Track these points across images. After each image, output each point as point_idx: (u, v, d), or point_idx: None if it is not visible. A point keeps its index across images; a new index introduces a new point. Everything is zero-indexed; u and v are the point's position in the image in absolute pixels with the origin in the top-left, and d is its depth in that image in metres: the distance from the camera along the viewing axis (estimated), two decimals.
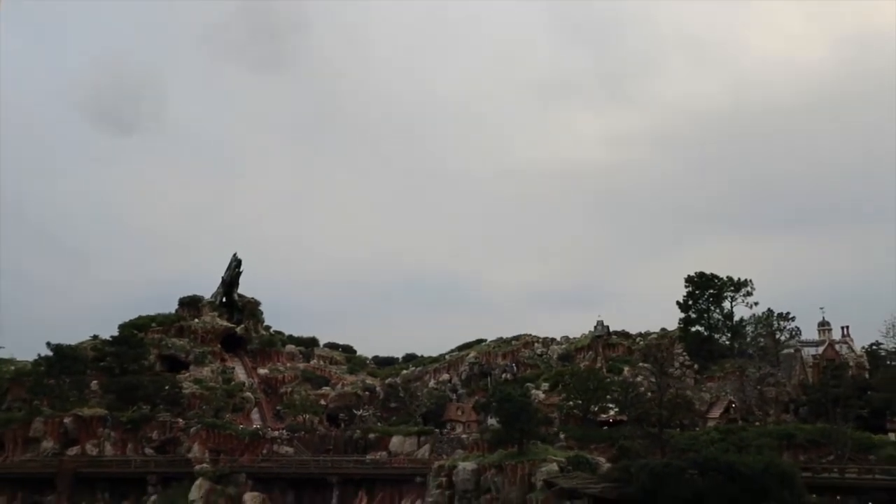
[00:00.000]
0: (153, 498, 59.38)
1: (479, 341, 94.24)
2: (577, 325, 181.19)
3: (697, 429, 59.66)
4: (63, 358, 69.71)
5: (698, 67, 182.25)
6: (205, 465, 59.97)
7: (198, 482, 57.67)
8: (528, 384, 70.98)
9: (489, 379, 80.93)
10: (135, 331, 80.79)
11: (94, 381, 72.48)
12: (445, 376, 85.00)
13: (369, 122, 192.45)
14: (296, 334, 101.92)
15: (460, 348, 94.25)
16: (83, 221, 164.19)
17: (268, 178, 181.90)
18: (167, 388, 71.02)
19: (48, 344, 70.93)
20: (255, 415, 76.04)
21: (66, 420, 65.15)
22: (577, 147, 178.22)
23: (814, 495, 42.87)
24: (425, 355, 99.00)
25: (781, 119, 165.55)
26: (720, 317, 78.51)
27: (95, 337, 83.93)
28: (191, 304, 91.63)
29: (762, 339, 73.28)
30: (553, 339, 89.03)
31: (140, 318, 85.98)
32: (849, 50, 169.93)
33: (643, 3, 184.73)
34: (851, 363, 79.92)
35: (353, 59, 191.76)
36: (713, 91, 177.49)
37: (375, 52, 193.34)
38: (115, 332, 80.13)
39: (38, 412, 66.33)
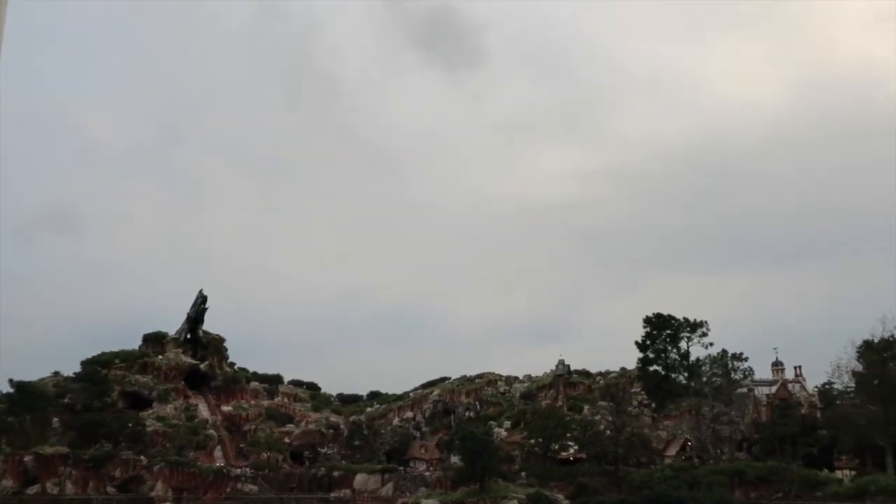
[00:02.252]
0: None
1: (443, 379, 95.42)
2: (539, 361, 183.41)
3: (654, 466, 61.43)
4: (25, 395, 69.35)
5: (660, 107, 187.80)
6: (168, 503, 59.96)
7: None
8: (491, 422, 72.35)
9: (452, 417, 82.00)
10: (98, 367, 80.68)
11: (56, 419, 71.96)
12: (409, 414, 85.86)
13: (334, 157, 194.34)
14: (260, 370, 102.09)
15: (424, 386, 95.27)
16: (38, 250, 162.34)
17: (231, 211, 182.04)
18: (130, 425, 70.83)
19: (10, 381, 70.51)
20: (218, 452, 75.94)
21: (27, 458, 64.64)
22: (541, 183, 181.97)
23: None
24: (389, 392, 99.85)
25: (740, 159, 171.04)
26: (677, 357, 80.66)
27: (57, 373, 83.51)
28: (155, 340, 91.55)
29: (717, 379, 75.60)
30: (516, 378, 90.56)
31: (103, 354, 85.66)
32: (809, 93, 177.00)
33: (608, 41, 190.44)
34: (803, 402, 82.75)
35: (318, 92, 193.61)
36: (674, 130, 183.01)
37: (346, 82, 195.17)
38: (77, 368, 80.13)
39: None
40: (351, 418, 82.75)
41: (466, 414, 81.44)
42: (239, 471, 67.50)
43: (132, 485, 65.18)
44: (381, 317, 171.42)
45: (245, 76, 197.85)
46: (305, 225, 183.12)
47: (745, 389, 79.05)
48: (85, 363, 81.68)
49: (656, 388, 78.71)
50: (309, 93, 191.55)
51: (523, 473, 59.98)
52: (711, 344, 77.93)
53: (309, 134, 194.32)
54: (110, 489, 64.41)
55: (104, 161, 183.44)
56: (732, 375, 75.48)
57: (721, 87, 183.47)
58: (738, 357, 75.60)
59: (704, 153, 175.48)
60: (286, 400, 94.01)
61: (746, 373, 76.45)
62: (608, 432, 62.66)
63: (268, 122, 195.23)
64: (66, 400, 75.91)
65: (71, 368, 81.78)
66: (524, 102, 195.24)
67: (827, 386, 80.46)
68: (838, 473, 58.15)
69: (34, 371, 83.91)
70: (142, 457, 67.24)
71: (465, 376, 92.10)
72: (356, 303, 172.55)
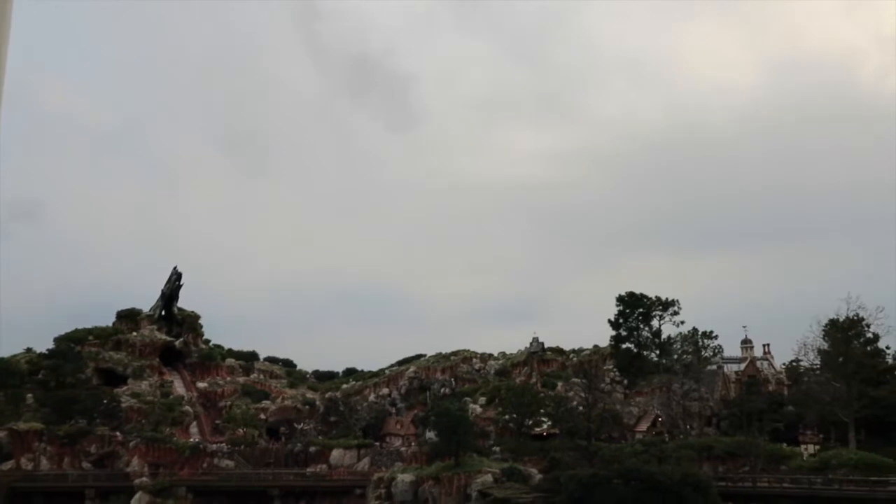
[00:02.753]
0: None
1: (419, 356, 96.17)
2: (514, 339, 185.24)
3: (625, 441, 62.81)
4: None
5: (635, 87, 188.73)
6: (144, 478, 60.21)
7: (137, 496, 57.97)
8: (466, 398, 73.30)
9: (428, 393, 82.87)
10: (71, 343, 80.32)
11: (30, 395, 71.69)
12: (385, 391, 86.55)
13: (307, 135, 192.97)
14: (235, 347, 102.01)
15: (400, 363, 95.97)
16: (9, 226, 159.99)
17: (206, 188, 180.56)
18: (105, 401, 70.77)
19: None
20: (193, 429, 76.13)
21: (1, 434, 64.44)
22: (516, 163, 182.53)
23: (729, 503, 46.18)
24: (365, 370, 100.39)
25: (713, 141, 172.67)
26: (649, 334, 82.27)
27: (29, 349, 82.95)
28: (129, 317, 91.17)
29: (687, 357, 77.23)
30: (490, 355, 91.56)
31: (76, 330, 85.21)
32: (782, 77, 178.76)
33: (584, 21, 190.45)
34: (771, 379, 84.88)
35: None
36: (648, 111, 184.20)
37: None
38: (50, 345, 79.68)
39: None
40: (327, 395, 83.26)
41: (442, 390, 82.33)
42: (215, 446, 67.82)
43: (108, 460, 65.32)
44: (357, 295, 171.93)
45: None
46: (280, 204, 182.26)
47: (714, 367, 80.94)
48: (58, 339, 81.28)
49: (628, 365, 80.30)
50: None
51: (497, 448, 61.03)
52: (682, 322, 79.67)
53: (280, 109, 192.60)
54: (86, 465, 64.50)
55: (78, 142, 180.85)
56: (703, 353, 77.21)
57: (696, 69, 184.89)
58: (708, 335, 77.33)
59: (678, 135, 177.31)
60: (262, 377, 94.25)
61: (716, 350, 78.29)
62: (581, 408, 63.88)
63: (243, 101, 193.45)
64: (39, 376, 75.58)
65: (44, 345, 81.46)
66: (500, 81, 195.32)
67: (794, 363, 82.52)
68: (802, 448, 59.84)
69: (6, 348, 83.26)
70: (117, 433, 67.33)
71: (440, 353, 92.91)
72: (331, 281, 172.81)
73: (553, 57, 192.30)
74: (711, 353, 78.24)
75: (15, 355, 79.72)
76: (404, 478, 51.72)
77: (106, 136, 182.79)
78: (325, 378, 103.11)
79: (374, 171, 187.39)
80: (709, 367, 79.27)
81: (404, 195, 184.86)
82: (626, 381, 77.64)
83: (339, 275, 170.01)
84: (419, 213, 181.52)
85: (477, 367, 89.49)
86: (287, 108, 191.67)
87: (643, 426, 69.08)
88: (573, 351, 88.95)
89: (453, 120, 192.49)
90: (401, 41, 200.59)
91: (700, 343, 77.58)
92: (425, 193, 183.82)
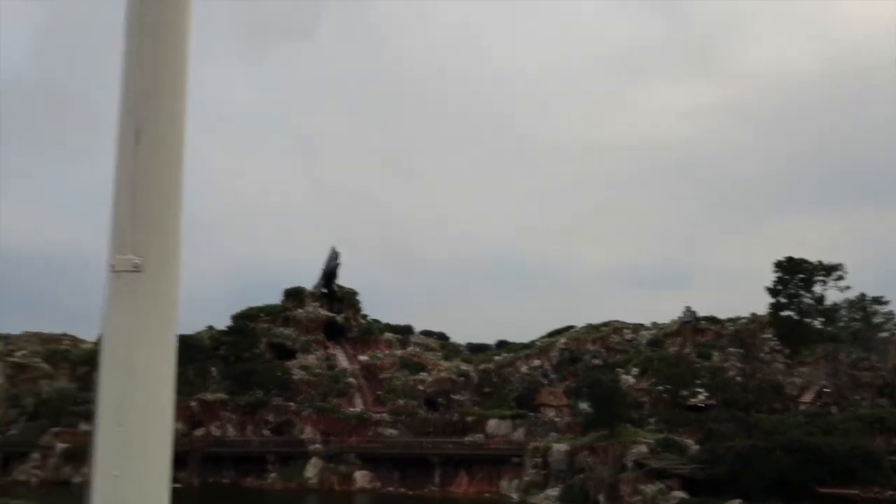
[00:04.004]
0: (273, 475, 65.17)
1: (569, 327, 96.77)
2: (663, 307, 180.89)
3: (787, 413, 60.93)
4: (186, 347, 76.37)
5: (780, 31, 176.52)
6: (317, 445, 65.31)
7: (312, 461, 63.08)
8: (618, 369, 73.45)
9: (579, 364, 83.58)
10: (246, 321, 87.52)
11: (213, 369, 79.12)
12: (537, 362, 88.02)
13: (446, 102, 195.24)
14: (392, 322, 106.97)
15: (550, 335, 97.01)
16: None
17: (349, 160, 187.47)
18: (279, 374, 76.91)
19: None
20: (357, 399, 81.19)
21: (193, 404, 71.79)
22: (657, 120, 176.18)
23: None
24: (516, 341, 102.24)
25: (873, 82, 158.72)
26: (811, 301, 78.61)
27: (210, 327, 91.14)
28: (295, 295, 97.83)
29: (856, 323, 73.32)
30: (642, 325, 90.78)
31: (250, 308, 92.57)
32: None
33: None
34: None
35: (417, 36, 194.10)
36: (796, 56, 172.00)
37: (439, 24, 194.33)
38: (228, 322, 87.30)
39: None
40: (480, 366, 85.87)
41: (593, 361, 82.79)
42: (378, 416, 72.18)
43: (284, 428, 71.27)
44: (504, 266, 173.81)
45: None
46: (425, 175, 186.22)
47: (887, 333, 76.17)
48: (235, 317, 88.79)
49: (789, 333, 77.14)
50: (406, 39, 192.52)
51: (652, 419, 61.08)
52: (848, 287, 75.49)
53: (411, 81, 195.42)
54: (265, 432, 70.70)
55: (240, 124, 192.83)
56: (872, 319, 72.97)
57: (851, 11, 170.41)
58: (878, 300, 72.93)
59: (832, 78, 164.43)
60: (418, 349, 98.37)
61: (888, 316, 73.70)
62: (738, 378, 62.52)
63: (372, 66, 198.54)
64: (220, 351, 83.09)
65: (222, 322, 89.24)
66: (635, 35, 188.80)
67: None
68: None
69: (191, 326, 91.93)
70: (291, 403, 73.14)
71: (590, 325, 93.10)
72: (479, 252, 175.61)
73: (692, 4, 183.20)
74: (883, 320, 73.78)
75: (199, 333, 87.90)
76: (560, 447, 53.14)
77: (258, 117, 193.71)
78: (477, 350, 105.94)
79: (513, 134, 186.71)
80: (880, 335, 74.76)
81: (541, 158, 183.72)
82: (787, 351, 74.77)
83: (483, 246, 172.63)
84: (561, 176, 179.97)
85: (628, 337, 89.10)
86: (420, 72, 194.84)
87: (807, 397, 66.50)
88: (728, 320, 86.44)
89: (589, 76, 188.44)
90: None
91: (869, 309, 73.34)
92: (563, 155, 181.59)
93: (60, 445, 67.29)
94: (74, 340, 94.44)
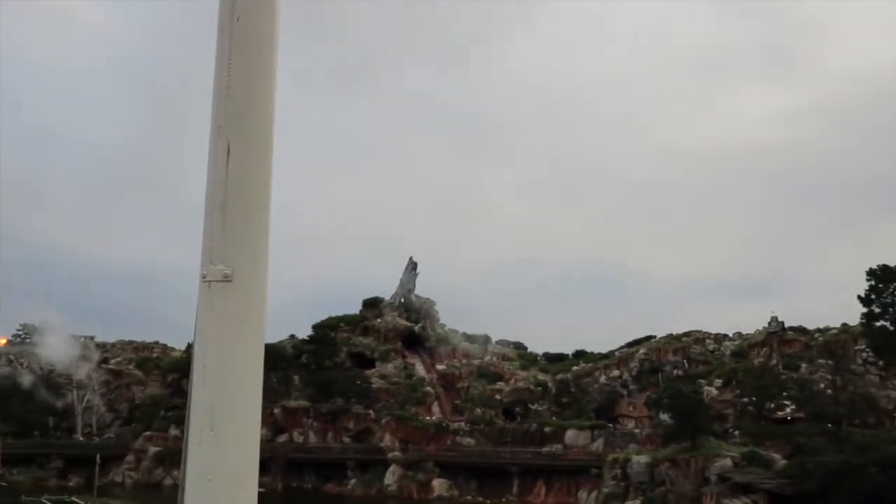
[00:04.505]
0: (353, 481, 66.33)
1: (649, 337, 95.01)
2: (748, 317, 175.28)
3: (882, 427, 58.21)
4: (269, 356, 78.27)
5: (867, 29, 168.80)
6: (396, 453, 66.11)
7: (391, 468, 63.91)
8: (700, 380, 71.68)
9: (660, 375, 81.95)
10: (327, 330, 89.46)
11: (296, 377, 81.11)
12: (616, 372, 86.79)
13: (517, 113, 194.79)
14: (469, 332, 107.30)
15: (629, 344, 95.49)
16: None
17: (425, 177, 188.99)
18: (358, 382, 78.28)
19: None
20: (435, 408, 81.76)
21: (276, 411, 73.78)
22: (743, 124, 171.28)
23: None
24: (593, 351, 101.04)
25: None
26: None
27: (293, 336, 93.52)
28: (373, 305, 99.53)
29: None
30: (725, 335, 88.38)
31: (330, 318, 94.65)
32: None
33: None
34: None
35: (491, 51, 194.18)
36: (884, 53, 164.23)
37: (517, 38, 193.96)
38: (309, 332, 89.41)
39: None
40: (558, 376, 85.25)
41: (674, 372, 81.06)
42: (456, 425, 72.53)
43: (363, 435, 72.43)
44: (582, 275, 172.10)
45: None
46: (497, 190, 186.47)
47: None
48: (316, 327, 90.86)
49: (884, 344, 73.43)
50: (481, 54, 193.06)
51: (736, 432, 59.36)
52: None
53: (486, 94, 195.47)
54: (346, 439, 72.03)
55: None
56: None
57: None
58: None
59: None
60: (495, 359, 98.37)
61: None
62: (828, 391, 60.12)
63: (444, 83, 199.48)
64: (302, 360, 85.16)
65: (303, 332, 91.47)
66: (715, 37, 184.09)
67: None
68: None
69: (274, 335, 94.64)
70: (370, 411, 74.32)
71: (671, 334, 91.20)
72: (556, 262, 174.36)
73: (779, 5, 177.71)
74: None
75: (281, 341, 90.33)
76: (640, 459, 52.24)
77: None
78: (554, 360, 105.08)
79: (592, 143, 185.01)
80: None
81: (626, 167, 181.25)
82: (881, 363, 71.34)
83: (562, 255, 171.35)
84: (642, 184, 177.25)
85: (710, 347, 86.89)
86: (492, 84, 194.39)
87: None
88: (818, 330, 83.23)
89: (669, 81, 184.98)
90: None
91: None
92: (647, 164, 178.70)
93: (153, 449, 70.25)
94: (165, 349, 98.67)
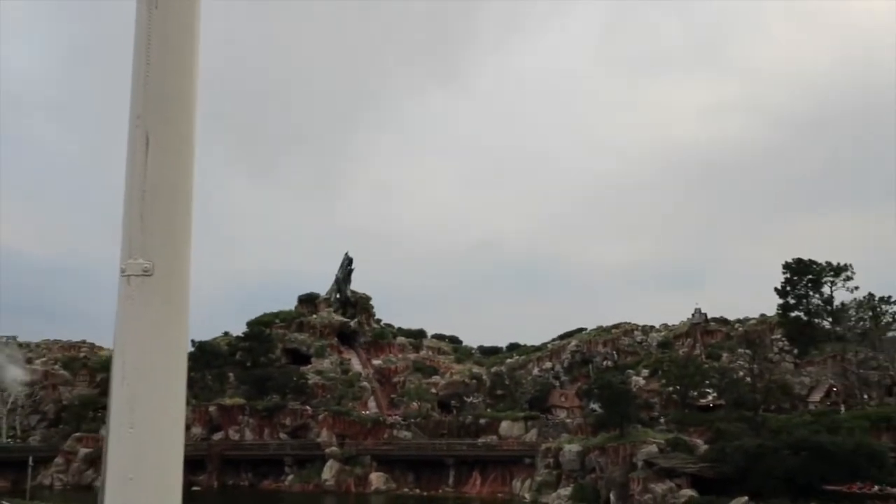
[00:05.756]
0: (290, 477, 66.53)
1: (580, 330, 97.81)
2: (674, 308, 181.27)
3: (796, 412, 61.70)
4: (205, 353, 77.98)
5: (798, 32, 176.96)
6: (333, 448, 66.59)
7: (329, 463, 64.37)
8: (629, 371, 74.42)
9: (590, 366, 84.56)
10: (261, 327, 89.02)
11: (231, 374, 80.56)
12: (548, 364, 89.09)
13: (452, 105, 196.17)
14: (404, 326, 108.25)
15: (561, 337, 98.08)
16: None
17: (367, 165, 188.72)
18: (294, 379, 78.28)
19: (193, 342, 79.28)
20: (371, 403, 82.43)
21: (211, 409, 73.28)
22: (667, 121, 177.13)
23: None
24: (527, 343, 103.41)
25: (886, 80, 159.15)
26: (820, 302, 79.20)
27: (227, 333, 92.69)
28: (308, 301, 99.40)
29: (864, 323, 73.88)
30: (652, 327, 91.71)
31: (265, 315, 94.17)
32: None
33: None
34: None
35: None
36: (811, 53, 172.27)
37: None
38: (243, 328, 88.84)
39: (188, 402, 74.82)
40: (492, 369, 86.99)
41: (604, 363, 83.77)
42: (393, 419, 73.43)
43: (300, 431, 72.57)
44: (514, 269, 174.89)
45: None
46: (429, 178, 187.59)
47: (895, 333, 76.70)
48: (250, 323, 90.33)
49: (798, 334, 77.78)
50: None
51: (662, 420, 62.03)
52: (857, 288, 76.02)
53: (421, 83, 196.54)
54: (282, 435, 72.05)
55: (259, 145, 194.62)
56: (881, 319, 73.51)
57: (868, 5, 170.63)
58: (886, 300, 73.48)
59: (847, 76, 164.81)
60: (430, 353, 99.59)
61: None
62: (747, 379, 63.39)
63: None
64: (237, 357, 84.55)
65: (237, 329, 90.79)
66: (646, 35, 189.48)
67: None
68: None
69: (207, 332, 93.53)
70: (307, 407, 74.48)
71: (601, 327, 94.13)
72: (488, 256, 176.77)
73: (703, 4, 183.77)
74: (891, 320, 74.32)
75: (216, 338, 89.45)
76: (571, 448, 54.17)
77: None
78: (489, 353, 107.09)
79: (525, 138, 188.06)
80: (889, 334, 75.30)
81: (557, 160, 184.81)
82: (795, 351, 75.53)
83: (493, 249, 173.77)
84: (571, 179, 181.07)
85: (638, 339, 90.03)
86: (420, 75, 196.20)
87: (816, 397, 67.27)
88: (738, 321, 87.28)
89: (601, 78, 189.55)
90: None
91: (878, 309, 73.90)
92: (573, 158, 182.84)
93: (83, 450, 68.90)
94: (93, 348, 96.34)
